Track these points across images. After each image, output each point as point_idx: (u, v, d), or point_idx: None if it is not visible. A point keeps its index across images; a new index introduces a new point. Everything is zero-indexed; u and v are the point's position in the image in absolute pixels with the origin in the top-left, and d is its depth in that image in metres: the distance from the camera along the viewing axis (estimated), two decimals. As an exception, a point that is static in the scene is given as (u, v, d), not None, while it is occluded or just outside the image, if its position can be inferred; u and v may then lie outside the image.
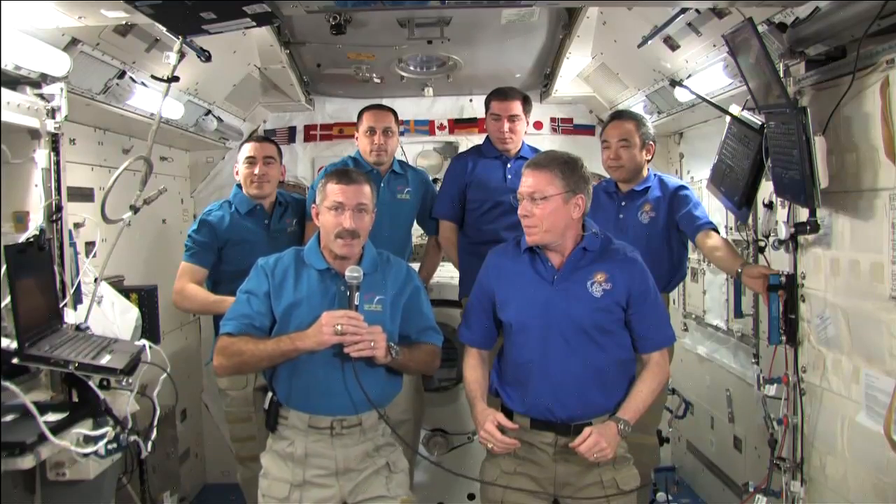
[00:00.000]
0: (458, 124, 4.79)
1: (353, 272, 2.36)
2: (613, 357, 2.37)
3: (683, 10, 2.66)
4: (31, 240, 2.40)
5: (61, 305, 2.47)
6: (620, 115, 3.29)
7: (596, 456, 2.25)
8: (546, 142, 4.49)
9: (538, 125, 4.67)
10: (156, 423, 2.37)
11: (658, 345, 2.43)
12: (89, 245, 2.91)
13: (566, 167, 2.33)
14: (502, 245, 2.55)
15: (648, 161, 3.24)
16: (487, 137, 3.49)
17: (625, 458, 2.42)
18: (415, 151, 4.80)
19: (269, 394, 2.44)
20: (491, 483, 2.43)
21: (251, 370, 2.45)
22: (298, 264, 2.45)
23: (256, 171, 3.25)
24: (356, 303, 2.35)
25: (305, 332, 2.28)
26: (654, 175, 3.26)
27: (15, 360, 2.03)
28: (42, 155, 2.49)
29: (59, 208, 2.53)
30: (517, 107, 3.35)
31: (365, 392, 2.34)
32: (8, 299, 2.08)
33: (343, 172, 2.46)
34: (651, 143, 3.20)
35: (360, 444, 2.42)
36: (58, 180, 2.53)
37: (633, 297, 2.36)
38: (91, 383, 2.12)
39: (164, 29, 2.48)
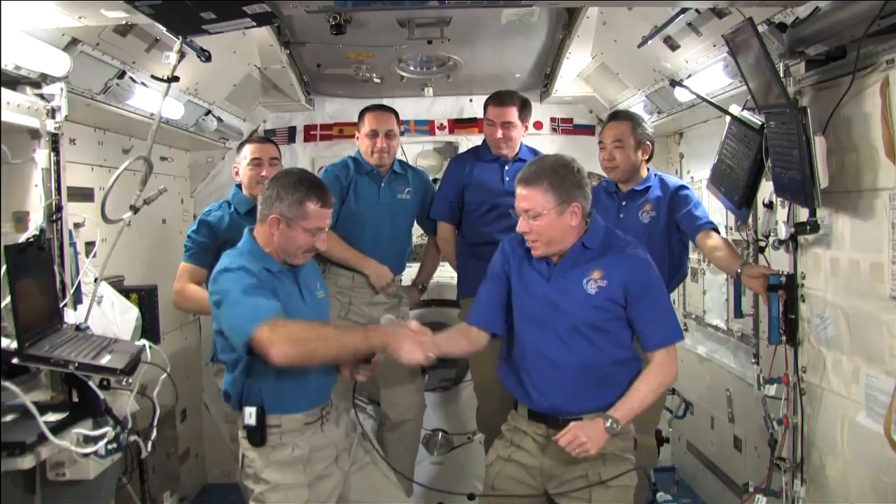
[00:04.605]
0: (458, 124, 4.79)
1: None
2: (610, 356, 2.36)
3: (683, 10, 2.66)
4: (31, 240, 2.41)
5: (61, 305, 2.47)
6: (616, 116, 3.29)
7: (576, 451, 2.23)
8: (546, 142, 4.49)
9: (538, 125, 4.66)
10: (156, 423, 2.38)
11: (660, 343, 2.37)
12: (89, 245, 2.91)
13: (555, 178, 2.30)
14: (516, 234, 2.52)
15: (647, 161, 3.24)
16: (485, 140, 3.49)
17: (618, 456, 2.38)
18: (415, 151, 4.79)
19: (251, 409, 2.29)
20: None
21: (317, 362, 2.27)
22: (258, 268, 2.30)
23: (264, 172, 3.24)
24: None
25: (399, 346, 2.26)
26: (655, 175, 3.25)
27: (15, 360, 2.03)
28: (42, 155, 2.49)
29: (59, 208, 2.53)
30: (512, 113, 3.33)
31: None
32: (8, 299, 2.08)
33: (325, 193, 2.38)
34: (648, 143, 3.19)
35: (341, 422, 2.49)
36: (58, 180, 2.53)
37: (631, 294, 2.33)
38: (91, 383, 2.12)
39: (164, 29, 2.47)
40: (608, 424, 2.26)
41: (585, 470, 2.35)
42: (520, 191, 2.34)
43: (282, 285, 2.34)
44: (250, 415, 2.30)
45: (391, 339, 2.29)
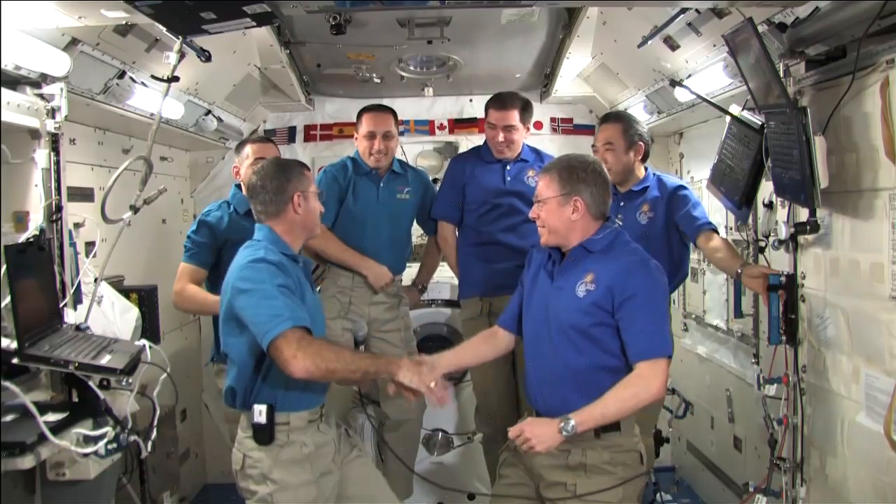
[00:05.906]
0: (458, 124, 4.79)
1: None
2: (593, 362, 2.29)
3: (683, 10, 2.65)
4: (31, 240, 2.41)
5: (61, 305, 2.47)
6: (606, 119, 3.30)
7: (524, 447, 2.24)
8: (546, 142, 4.48)
9: (538, 125, 4.65)
10: (156, 423, 2.38)
11: (640, 354, 2.24)
12: (89, 245, 2.91)
13: (564, 171, 2.36)
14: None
15: (642, 161, 3.23)
16: (486, 141, 3.49)
17: (600, 469, 2.30)
18: (415, 151, 4.79)
19: (262, 407, 2.27)
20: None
21: (331, 380, 2.35)
22: (279, 259, 2.31)
23: None
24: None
25: (412, 381, 2.33)
26: (653, 175, 3.25)
27: (15, 360, 2.04)
28: (42, 155, 2.49)
29: (59, 208, 2.53)
30: (513, 117, 3.34)
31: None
32: (8, 299, 2.09)
33: (300, 162, 2.56)
34: (640, 143, 3.18)
35: (331, 419, 2.50)
36: (58, 180, 2.53)
37: (616, 301, 2.25)
38: (91, 383, 2.12)
39: (164, 29, 2.48)
40: (561, 425, 2.18)
41: (564, 478, 2.32)
42: (537, 179, 2.46)
43: (300, 278, 2.39)
44: (261, 412, 2.28)
45: (393, 367, 2.36)
